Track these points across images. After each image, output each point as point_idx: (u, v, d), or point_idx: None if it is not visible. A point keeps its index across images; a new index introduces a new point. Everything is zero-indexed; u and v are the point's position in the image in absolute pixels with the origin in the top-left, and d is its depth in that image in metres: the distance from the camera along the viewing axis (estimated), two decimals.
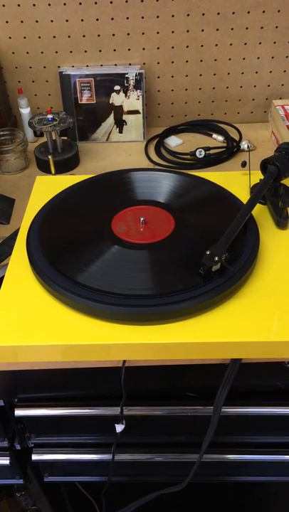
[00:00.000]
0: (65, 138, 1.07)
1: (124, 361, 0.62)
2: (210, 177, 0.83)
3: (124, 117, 1.13)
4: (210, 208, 0.75)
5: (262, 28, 1.06)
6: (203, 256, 0.62)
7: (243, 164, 0.86)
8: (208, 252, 0.62)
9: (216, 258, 0.61)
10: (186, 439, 0.85)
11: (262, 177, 0.79)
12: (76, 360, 0.61)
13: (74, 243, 0.69)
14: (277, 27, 1.06)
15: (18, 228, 0.78)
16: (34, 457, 0.86)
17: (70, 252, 0.67)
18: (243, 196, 0.78)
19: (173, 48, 1.09)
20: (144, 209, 0.75)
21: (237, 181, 0.84)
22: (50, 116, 1.03)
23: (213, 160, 1.05)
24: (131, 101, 1.11)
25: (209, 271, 0.62)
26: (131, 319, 0.60)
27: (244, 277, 0.64)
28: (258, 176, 0.80)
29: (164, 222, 0.72)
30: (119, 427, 0.72)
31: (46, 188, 0.85)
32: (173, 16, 1.05)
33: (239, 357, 0.61)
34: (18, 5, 1.03)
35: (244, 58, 1.11)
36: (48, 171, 1.03)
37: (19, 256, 0.70)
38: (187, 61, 1.11)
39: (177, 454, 0.86)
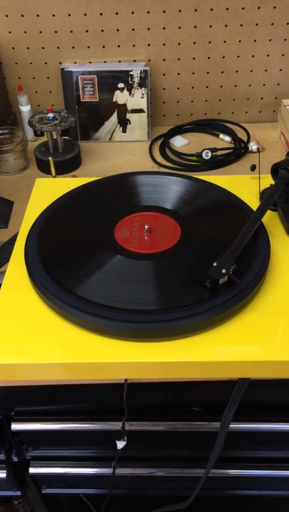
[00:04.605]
0: (67, 137, 1.03)
1: (127, 379, 0.59)
2: (218, 181, 0.79)
3: (128, 116, 1.09)
4: (218, 216, 0.71)
5: (272, 24, 1.03)
6: (210, 268, 0.59)
7: (253, 168, 0.82)
8: (215, 264, 0.59)
9: (224, 270, 0.58)
10: (190, 453, 0.82)
11: (272, 181, 0.75)
12: (76, 378, 0.58)
13: (74, 252, 0.66)
14: (288, 23, 1.02)
15: (17, 233, 0.75)
16: (32, 470, 0.83)
17: (70, 262, 0.64)
18: (253, 201, 0.75)
19: (179, 44, 1.05)
20: (149, 216, 0.71)
21: (246, 186, 0.80)
22: (51, 115, 0.99)
23: (219, 162, 1.01)
24: (135, 99, 1.07)
25: (216, 283, 0.59)
26: (134, 335, 0.56)
27: (254, 290, 0.60)
28: (267, 180, 0.77)
29: (169, 231, 0.68)
30: (120, 444, 0.69)
31: (46, 191, 0.81)
32: (180, 10, 1.01)
33: (249, 376, 0.58)
34: None
35: (253, 56, 1.07)
36: (48, 172, 0.99)
37: (17, 265, 0.67)
38: (194, 58, 1.07)
39: (180, 469, 0.83)
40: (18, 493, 0.93)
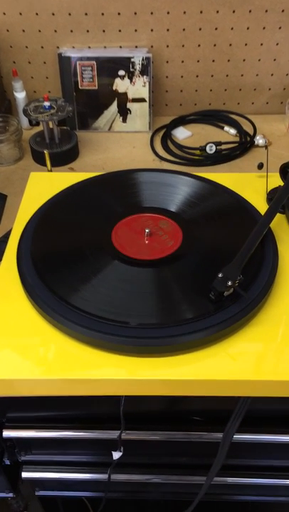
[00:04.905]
0: (64, 127, 0.98)
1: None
2: (223, 179, 0.75)
3: (129, 105, 1.04)
4: (224, 220, 0.67)
5: (283, 11, 0.97)
6: (215, 279, 0.55)
7: (260, 166, 0.78)
8: (220, 275, 0.55)
9: (229, 283, 0.54)
10: (188, 460, 0.80)
11: (280, 180, 0.72)
12: (72, 394, 0.55)
13: (69, 257, 0.62)
14: None
15: (10, 230, 0.71)
16: (24, 475, 0.81)
17: (65, 269, 0.60)
18: (259, 202, 0.71)
19: (184, 30, 1.00)
20: (150, 218, 0.67)
21: (252, 185, 0.76)
22: (47, 103, 0.94)
23: (224, 156, 0.97)
24: (136, 88, 1.02)
25: (221, 296, 0.55)
26: (132, 351, 0.53)
27: (261, 303, 0.57)
28: (275, 179, 0.73)
29: (171, 235, 0.64)
30: (116, 455, 0.67)
31: (41, 185, 0.77)
32: None
33: (255, 395, 0.55)
34: None
35: (262, 44, 1.02)
36: (44, 163, 0.94)
37: (9, 270, 0.63)
38: (199, 45, 1.02)
39: (177, 476, 0.81)
40: (11, 494, 0.91)
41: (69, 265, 0.61)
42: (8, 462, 0.81)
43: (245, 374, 0.52)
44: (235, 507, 1.12)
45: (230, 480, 0.81)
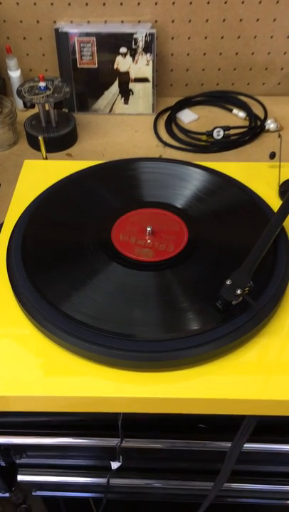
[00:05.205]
0: (61, 109, 0.92)
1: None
2: (232, 169, 0.69)
3: (131, 86, 0.97)
4: (234, 218, 0.62)
5: None
6: (222, 287, 0.50)
7: (272, 156, 0.72)
8: (228, 282, 0.50)
9: (239, 291, 0.49)
10: (190, 465, 0.76)
11: None
12: (67, 410, 0.51)
13: (63, 259, 0.57)
14: None
15: (1, 224, 0.66)
16: (20, 478, 0.78)
17: (59, 272, 0.55)
18: (271, 195, 0.66)
19: (191, 3, 0.92)
20: (154, 214, 0.62)
21: (264, 175, 0.70)
22: (42, 84, 0.87)
23: (232, 142, 0.90)
24: (139, 66, 0.95)
25: (229, 305, 0.50)
26: (131, 366, 0.48)
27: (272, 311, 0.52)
28: (287, 170, 0.67)
29: (175, 234, 0.59)
30: (114, 465, 0.64)
31: (36, 174, 0.72)
32: None
33: (265, 414, 0.50)
34: None
35: (275, 19, 0.94)
36: (40, 149, 0.89)
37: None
38: (207, 20, 0.95)
39: (179, 481, 0.78)
40: (7, 494, 0.88)
41: (63, 268, 0.56)
42: (3, 464, 0.78)
43: (255, 393, 0.47)
44: (236, 509, 1.11)
45: (234, 486, 0.78)
